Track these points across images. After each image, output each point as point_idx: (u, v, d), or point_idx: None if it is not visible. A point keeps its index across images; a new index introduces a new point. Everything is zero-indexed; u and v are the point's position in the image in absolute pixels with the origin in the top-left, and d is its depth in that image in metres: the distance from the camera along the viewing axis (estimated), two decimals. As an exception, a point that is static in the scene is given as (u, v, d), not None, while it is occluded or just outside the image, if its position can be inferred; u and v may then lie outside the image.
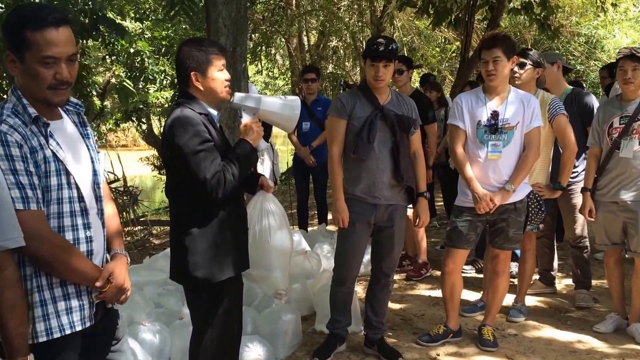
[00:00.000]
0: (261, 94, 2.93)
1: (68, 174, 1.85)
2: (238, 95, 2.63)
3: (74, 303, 1.87)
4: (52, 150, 1.81)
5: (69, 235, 1.86)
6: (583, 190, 3.94)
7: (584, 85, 11.59)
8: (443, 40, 16.86)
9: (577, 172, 4.24)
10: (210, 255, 2.48)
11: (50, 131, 1.84)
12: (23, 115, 1.79)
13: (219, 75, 2.50)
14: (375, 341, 3.63)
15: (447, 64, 17.56)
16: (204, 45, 2.51)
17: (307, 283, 4.22)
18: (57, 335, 1.82)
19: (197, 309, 2.62)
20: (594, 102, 4.37)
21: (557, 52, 16.03)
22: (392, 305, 4.48)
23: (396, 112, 3.39)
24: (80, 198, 1.89)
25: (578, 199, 4.16)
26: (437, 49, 17.28)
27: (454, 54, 16.34)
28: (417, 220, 3.52)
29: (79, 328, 1.88)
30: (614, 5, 11.25)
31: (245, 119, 2.59)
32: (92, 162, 2.00)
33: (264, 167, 6.31)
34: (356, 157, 3.33)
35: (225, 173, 2.38)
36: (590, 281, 4.38)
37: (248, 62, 15.59)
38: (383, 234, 3.49)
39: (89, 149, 2.00)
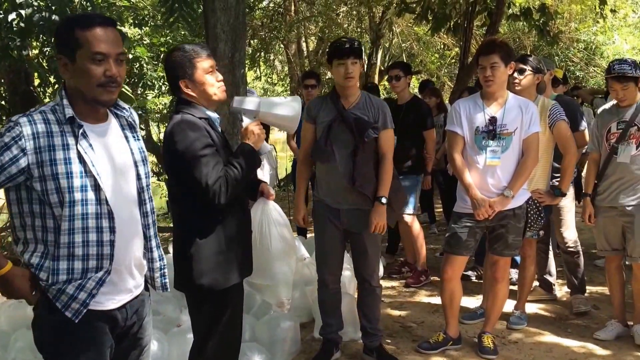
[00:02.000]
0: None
1: (93, 176, 1.87)
2: (237, 99, 2.61)
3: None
4: (79, 151, 1.84)
5: (92, 237, 1.88)
6: (583, 195, 3.93)
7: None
8: (442, 46, 16.88)
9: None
10: (215, 262, 2.46)
11: (84, 132, 1.87)
12: (60, 114, 1.86)
13: (208, 78, 2.50)
14: (374, 348, 3.61)
15: (446, 70, 17.59)
16: (187, 51, 2.50)
17: (306, 290, 4.20)
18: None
19: (200, 317, 2.59)
20: (577, 109, 4.37)
21: (557, 57, 16.09)
22: (391, 312, 4.47)
23: (357, 116, 3.33)
24: (107, 201, 1.90)
25: (565, 202, 4.17)
26: (436, 55, 17.31)
27: (453, 60, 16.36)
28: (372, 225, 3.38)
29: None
30: (613, 11, 11.26)
31: (246, 122, 2.58)
32: (136, 165, 2.02)
33: (263, 173, 6.29)
34: (314, 159, 3.47)
35: (227, 178, 2.36)
36: (585, 285, 4.36)
37: (247, 68, 15.65)
38: (355, 239, 3.52)
39: (133, 153, 2.02)
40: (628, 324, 3.94)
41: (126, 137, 2.03)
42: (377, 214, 3.37)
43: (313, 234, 6.21)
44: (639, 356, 3.62)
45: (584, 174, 4.52)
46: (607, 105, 3.97)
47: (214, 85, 2.51)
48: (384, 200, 3.36)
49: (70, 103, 1.88)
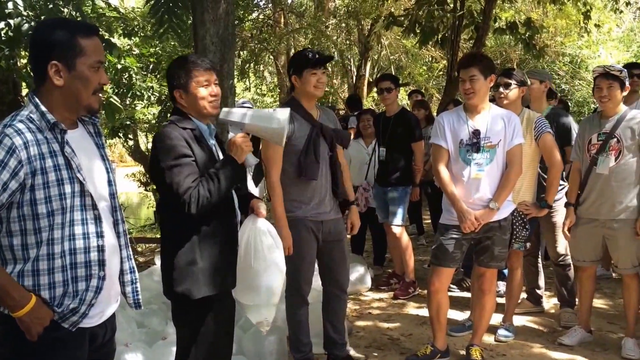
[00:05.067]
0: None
1: (80, 182, 1.86)
2: (223, 111, 2.60)
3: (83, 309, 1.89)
4: (66, 157, 1.83)
5: (79, 244, 1.86)
6: (567, 205, 3.97)
7: (569, 104, 11.73)
8: (430, 58, 17.01)
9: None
10: (189, 271, 2.45)
11: (66, 139, 1.87)
12: (40, 121, 1.83)
13: (201, 91, 2.51)
14: (343, 358, 3.62)
15: (434, 82, 17.72)
16: (188, 63, 2.53)
17: (293, 302, 4.17)
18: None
19: (182, 326, 2.59)
20: (572, 123, 4.43)
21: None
22: (379, 324, 4.45)
23: (332, 127, 3.45)
24: (94, 206, 1.90)
25: (558, 217, 4.21)
26: (424, 68, 17.45)
27: (441, 73, 16.49)
28: (352, 228, 3.61)
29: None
30: (597, 26, 11.44)
31: (232, 134, 2.57)
32: (108, 172, 2.02)
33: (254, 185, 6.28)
34: (307, 177, 3.31)
35: (199, 189, 2.36)
36: (575, 297, 4.38)
37: (236, 79, 15.69)
38: (334, 250, 3.51)
39: (103, 159, 2.02)
40: (591, 330, 4.05)
41: (96, 144, 2.03)
42: (356, 216, 3.65)
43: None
44: (625, 368, 3.64)
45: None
46: (589, 116, 4.02)
47: (205, 99, 2.52)
48: (357, 202, 3.49)
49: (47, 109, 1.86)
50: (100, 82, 1.91)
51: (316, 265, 3.60)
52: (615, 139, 3.71)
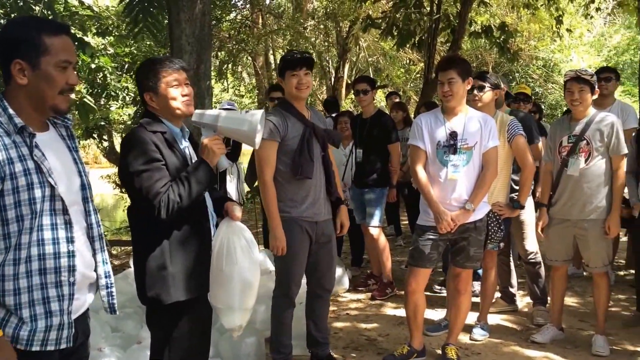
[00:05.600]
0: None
1: (51, 186, 1.81)
2: (196, 113, 2.57)
3: (55, 321, 1.83)
4: (35, 162, 1.79)
5: (49, 249, 1.81)
6: (539, 205, 4.04)
7: (542, 107, 11.91)
8: (408, 61, 17.13)
9: None
10: (159, 276, 2.43)
11: (35, 142, 1.81)
12: (7, 125, 1.78)
13: (172, 91, 2.47)
14: (324, 357, 3.64)
15: (412, 85, 17.83)
16: (156, 64, 2.49)
17: (271, 304, 4.16)
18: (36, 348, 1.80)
19: (156, 330, 2.57)
20: (533, 123, 4.49)
21: (517, 74, 16.49)
22: (357, 325, 4.48)
23: (324, 127, 3.50)
24: (65, 211, 1.85)
25: (526, 216, 4.29)
26: (402, 70, 17.55)
27: (419, 75, 16.61)
28: (341, 228, 3.65)
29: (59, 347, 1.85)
30: (568, 31, 11.66)
31: (205, 136, 2.55)
32: (81, 175, 1.97)
33: (231, 187, 6.27)
34: (303, 177, 3.33)
35: (169, 194, 2.34)
36: (546, 295, 4.45)
37: (214, 80, 15.62)
38: (323, 250, 3.53)
39: (76, 163, 1.98)
40: (563, 327, 4.13)
41: (69, 147, 1.98)
42: (345, 216, 3.66)
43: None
44: (598, 364, 3.72)
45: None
46: (560, 118, 4.10)
47: (177, 99, 2.48)
48: (347, 203, 3.61)
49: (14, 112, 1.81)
50: (68, 82, 1.86)
51: None
52: (585, 141, 3.79)
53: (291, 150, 3.34)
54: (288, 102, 3.45)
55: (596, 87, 3.84)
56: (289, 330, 3.57)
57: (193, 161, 2.53)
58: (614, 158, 3.79)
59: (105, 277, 2.05)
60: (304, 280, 3.68)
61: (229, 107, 5.84)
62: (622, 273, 5.67)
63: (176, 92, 2.47)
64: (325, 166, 3.48)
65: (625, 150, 3.81)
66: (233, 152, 5.87)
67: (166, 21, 6.38)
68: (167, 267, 2.42)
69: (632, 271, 5.13)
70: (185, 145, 2.58)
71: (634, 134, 4.58)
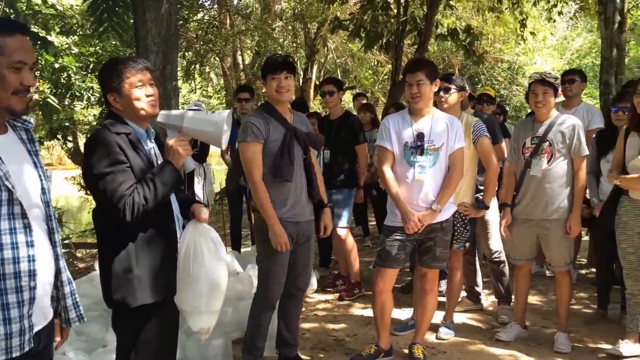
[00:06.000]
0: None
1: (8, 190, 1.77)
2: (161, 114, 2.55)
3: (15, 328, 1.78)
4: None
5: (7, 254, 1.76)
6: (503, 205, 4.11)
7: (507, 109, 12.10)
8: (376, 62, 17.24)
9: None
10: (125, 279, 2.41)
11: None
12: None
13: (136, 92, 2.44)
14: (292, 358, 3.66)
15: (379, 86, 17.96)
16: (119, 65, 2.46)
17: (239, 305, 4.16)
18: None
19: (122, 333, 2.55)
20: (496, 124, 4.59)
21: (483, 76, 16.75)
22: (325, 325, 4.49)
23: (305, 131, 3.52)
24: (24, 215, 1.81)
25: (490, 216, 4.38)
26: (370, 71, 17.66)
27: (386, 77, 16.73)
28: (324, 230, 3.69)
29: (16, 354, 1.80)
30: (532, 34, 11.91)
31: (170, 137, 2.53)
32: (40, 179, 1.93)
33: (199, 188, 6.22)
34: (282, 179, 3.37)
35: (134, 196, 2.32)
36: (510, 293, 4.53)
37: (181, 81, 15.48)
38: (300, 250, 3.56)
39: (36, 166, 1.93)
40: (526, 325, 4.22)
41: (28, 151, 1.94)
42: (329, 218, 3.72)
43: (248, 249, 6.22)
44: (560, 361, 3.81)
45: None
46: (523, 120, 4.19)
47: (142, 100, 2.45)
48: (330, 205, 3.71)
49: None
50: (23, 83, 1.80)
51: None
52: (547, 143, 3.87)
53: (272, 152, 3.37)
54: (271, 105, 3.48)
55: (559, 89, 3.94)
56: (265, 332, 3.57)
57: (159, 163, 2.51)
58: (575, 159, 3.88)
59: (69, 283, 2.02)
60: None
61: (196, 108, 5.80)
62: (583, 272, 5.80)
63: (140, 93, 2.45)
64: (307, 169, 3.51)
65: (586, 152, 3.91)
66: (200, 153, 5.84)
67: (132, 21, 6.29)
68: (132, 269, 2.40)
69: (594, 270, 5.25)
70: (150, 146, 2.56)
71: (594, 135, 4.70)
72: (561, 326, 4.04)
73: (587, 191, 4.30)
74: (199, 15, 14.48)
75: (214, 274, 2.57)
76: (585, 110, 5.16)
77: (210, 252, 2.57)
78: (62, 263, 1.99)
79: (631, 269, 3.76)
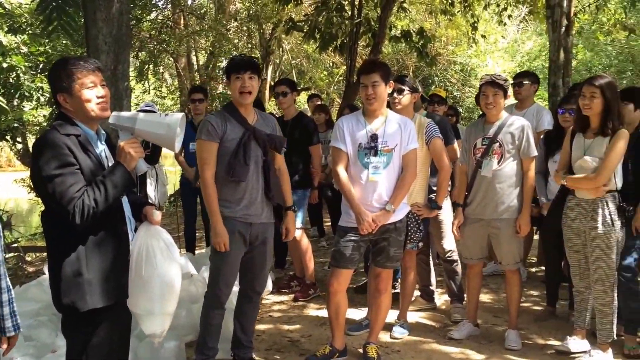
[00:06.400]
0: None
1: None
2: (113, 115, 2.51)
3: None
4: None
5: None
6: (455, 205, 4.19)
7: (460, 110, 12.34)
8: (331, 64, 17.31)
9: None
10: (75, 283, 2.36)
11: None
12: None
13: (86, 93, 2.41)
14: None
15: (335, 87, 18.03)
16: (69, 65, 2.42)
17: (192, 308, 4.11)
18: None
19: (71, 339, 2.49)
20: (448, 126, 4.67)
21: (436, 78, 17.02)
22: (280, 327, 4.48)
23: (266, 132, 3.50)
24: None
25: (444, 216, 4.46)
26: (325, 73, 17.72)
27: (342, 78, 16.81)
28: (287, 234, 3.68)
29: None
30: (483, 37, 12.16)
31: (122, 139, 2.49)
32: None
33: (153, 190, 6.13)
34: (234, 179, 3.38)
35: (84, 199, 2.28)
36: (463, 292, 4.62)
37: (135, 81, 15.20)
38: (256, 252, 3.56)
39: None
40: (478, 323, 4.30)
41: None
42: (292, 222, 3.70)
43: (202, 251, 6.15)
44: (508, 358, 3.88)
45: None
46: (474, 121, 4.28)
47: (92, 101, 2.41)
48: (295, 208, 3.72)
49: None
50: None
51: None
52: (497, 144, 3.96)
53: (229, 152, 3.38)
54: (233, 105, 3.49)
55: (509, 91, 4.04)
56: (216, 333, 3.55)
57: (110, 165, 2.47)
58: (524, 160, 3.98)
59: (7, 291, 1.95)
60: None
61: (148, 108, 5.71)
62: (534, 270, 5.95)
63: (91, 94, 2.41)
64: (265, 170, 3.48)
65: (535, 153, 4.01)
66: (152, 155, 5.75)
67: (83, 20, 6.16)
68: (82, 273, 2.36)
69: (543, 268, 5.38)
70: (101, 148, 2.52)
71: (542, 136, 4.83)
72: (511, 324, 4.13)
73: (536, 191, 4.41)
74: (153, 15, 14.26)
75: (167, 276, 2.54)
76: (535, 112, 5.30)
77: (162, 254, 2.54)
78: (2, 269, 1.93)
79: (578, 267, 3.88)
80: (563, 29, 6.61)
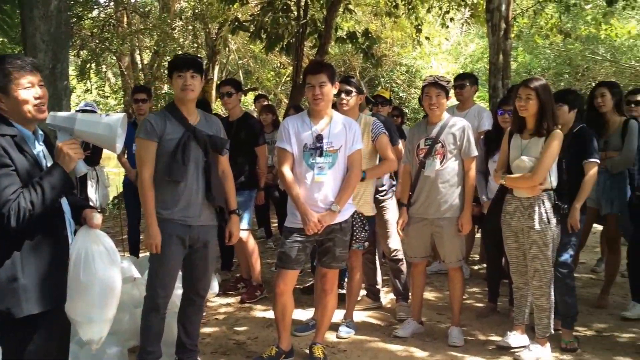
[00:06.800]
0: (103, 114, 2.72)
1: None
2: (50, 115, 2.45)
3: None
4: None
5: None
6: (400, 205, 4.26)
7: (406, 111, 12.53)
8: (279, 64, 17.27)
9: (385, 190, 4.63)
10: (10, 288, 2.29)
11: None
12: None
13: (23, 93, 2.35)
14: None
15: (282, 88, 18.01)
16: (6, 64, 2.35)
17: (135, 312, 4.02)
18: None
19: (6, 346, 2.40)
20: (392, 127, 4.73)
21: (382, 79, 17.23)
22: (225, 329, 4.44)
23: (208, 133, 3.45)
24: None
25: (390, 215, 4.54)
26: (272, 73, 17.67)
27: (289, 78, 16.80)
28: (230, 237, 3.63)
29: None
30: (427, 39, 12.39)
31: (61, 140, 2.43)
32: None
33: (94, 192, 5.97)
34: (171, 179, 3.32)
35: (20, 201, 2.22)
36: (408, 290, 4.69)
37: (76, 80, 14.77)
38: (198, 255, 3.51)
39: None
40: (423, 321, 4.38)
41: None
42: (236, 225, 3.62)
43: (147, 254, 6.02)
44: (452, 355, 3.96)
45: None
46: (418, 122, 4.37)
47: (29, 103, 2.36)
48: (239, 212, 3.66)
49: None
50: None
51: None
52: (440, 144, 4.05)
53: (168, 152, 3.33)
54: (174, 104, 3.44)
55: (450, 92, 4.14)
56: (155, 336, 3.47)
57: (48, 166, 2.41)
58: (466, 160, 4.08)
59: None
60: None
61: (88, 108, 5.57)
62: (476, 267, 6.10)
63: (28, 95, 2.36)
64: (207, 172, 3.42)
65: (476, 153, 4.11)
66: (93, 156, 5.60)
67: (20, 17, 5.95)
68: (18, 278, 2.29)
69: (485, 265, 5.52)
70: (39, 149, 2.46)
71: (482, 136, 4.95)
72: (454, 320, 4.23)
73: (477, 190, 4.52)
74: (95, 13, 13.90)
75: (107, 281, 2.49)
76: (476, 112, 5.44)
77: (102, 259, 2.49)
78: None
79: (516, 264, 4.00)
80: (502, 32, 6.80)
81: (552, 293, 3.86)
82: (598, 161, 4.08)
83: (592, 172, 4.03)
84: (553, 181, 3.81)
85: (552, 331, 3.92)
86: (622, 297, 4.92)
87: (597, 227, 5.40)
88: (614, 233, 4.93)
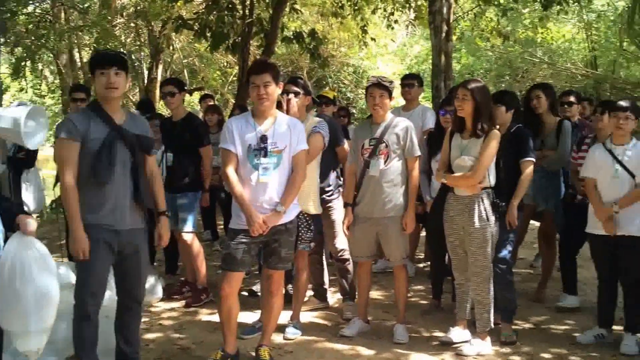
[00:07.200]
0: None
1: None
2: None
3: None
4: None
5: None
6: (345, 205, 4.29)
7: (353, 111, 12.63)
8: (225, 63, 17.09)
9: (331, 190, 4.64)
10: None
11: None
12: None
13: None
14: None
15: (229, 87, 17.84)
16: None
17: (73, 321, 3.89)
18: None
19: None
20: (338, 127, 4.79)
21: (330, 79, 17.31)
22: (170, 335, 4.36)
23: (135, 133, 3.32)
24: None
25: (336, 215, 4.55)
26: (219, 72, 17.47)
27: (236, 78, 16.66)
28: (160, 240, 3.52)
29: None
30: (373, 39, 12.53)
31: None
32: None
33: (28, 195, 5.76)
34: (96, 181, 3.17)
35: None
36: (355, 290, 4.71)
37: (10, 79, 14.20)
38: (129, 262, 3.38)
39: None
40: (369, 320, 4.42)
41: None
42: (165, 227, 3.50)
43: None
44: (397, 352, 4.01)
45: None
46: (362, 122, 4.41)
47: None
48: (168, 213, 3.53)
49: None
50: None
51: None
52: (384, 144, 4.09)
53: (93, 152, 3.16)
54: (98, 103, 3.28)
55: (394, 93, 4.20)
56: (89, 346, 3.30)
57: None
58: (409, 159, 4.14)
59: None
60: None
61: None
62: (421, 265, 6.20)
63: None
64: (134, 173, 3.30)
65: (419, 152, 4.18)
66: (27, 158, 5.39)
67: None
68: None
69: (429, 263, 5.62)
70: None
71: (425, 136, 5.04)
72: (400, 318, 4.28)
73: (421, 189, 4.59)
74: (30, 9, 13.40)
75: (43, 289, 2.40)
76: (421, 112, 5.55)
77: (38, 266, 2.40)
78: None
79: (458, 261, 4.09)
80: (444, 34, 6.95)
81: (492, 288, 3.97)
82: (534, 160, 4.22)
83: (528, 170, 4.16)
84: (491, 180, 3.92)
85: (492, 325, 4.03)
86: (558, 290, 5.09)
87: (535, 224, 5.56)
88: (549, 229, 5.11)
